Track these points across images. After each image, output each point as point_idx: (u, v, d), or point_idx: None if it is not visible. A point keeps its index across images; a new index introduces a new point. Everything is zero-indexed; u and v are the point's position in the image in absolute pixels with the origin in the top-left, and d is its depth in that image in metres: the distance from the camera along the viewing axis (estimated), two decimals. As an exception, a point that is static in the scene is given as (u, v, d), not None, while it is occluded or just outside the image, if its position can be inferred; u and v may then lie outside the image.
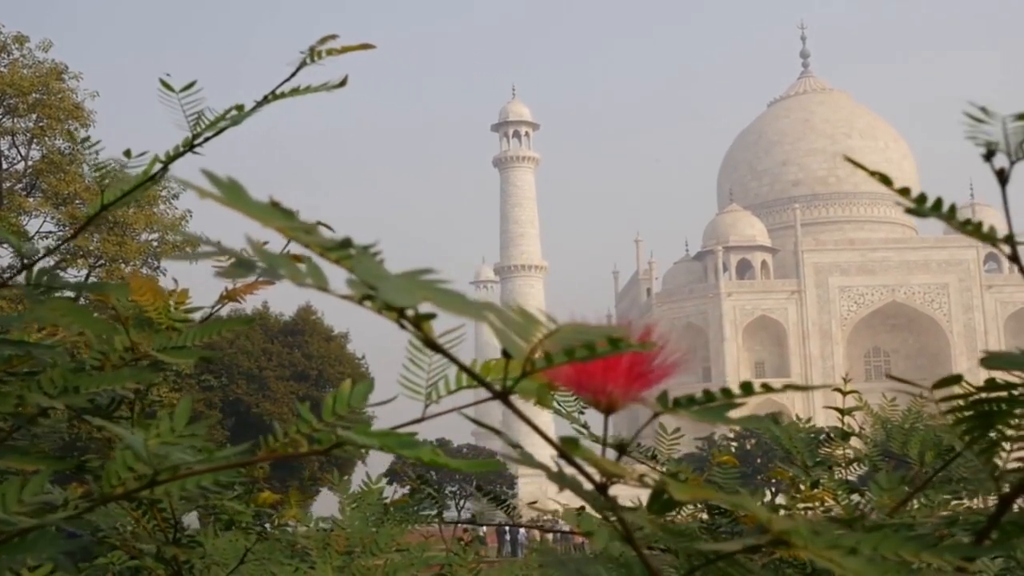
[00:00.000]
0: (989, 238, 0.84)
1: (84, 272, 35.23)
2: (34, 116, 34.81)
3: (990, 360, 0.84)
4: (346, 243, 0.62)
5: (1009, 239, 0.83)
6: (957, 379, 0.90)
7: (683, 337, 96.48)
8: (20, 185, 36.17)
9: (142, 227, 34.74)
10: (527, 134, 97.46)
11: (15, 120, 35.11)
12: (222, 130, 1.61)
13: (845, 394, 2.88)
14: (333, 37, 1.47)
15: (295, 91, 1.55)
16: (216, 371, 46.83)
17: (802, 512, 2.48)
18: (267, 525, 2.47)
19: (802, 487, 2.48)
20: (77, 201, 34.75)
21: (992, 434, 0.98)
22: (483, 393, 0.90)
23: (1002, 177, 0.77)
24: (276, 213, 0.62)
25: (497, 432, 0.93)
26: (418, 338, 0.78)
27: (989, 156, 0.76)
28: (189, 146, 1.61)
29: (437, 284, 0.65)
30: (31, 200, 35.29)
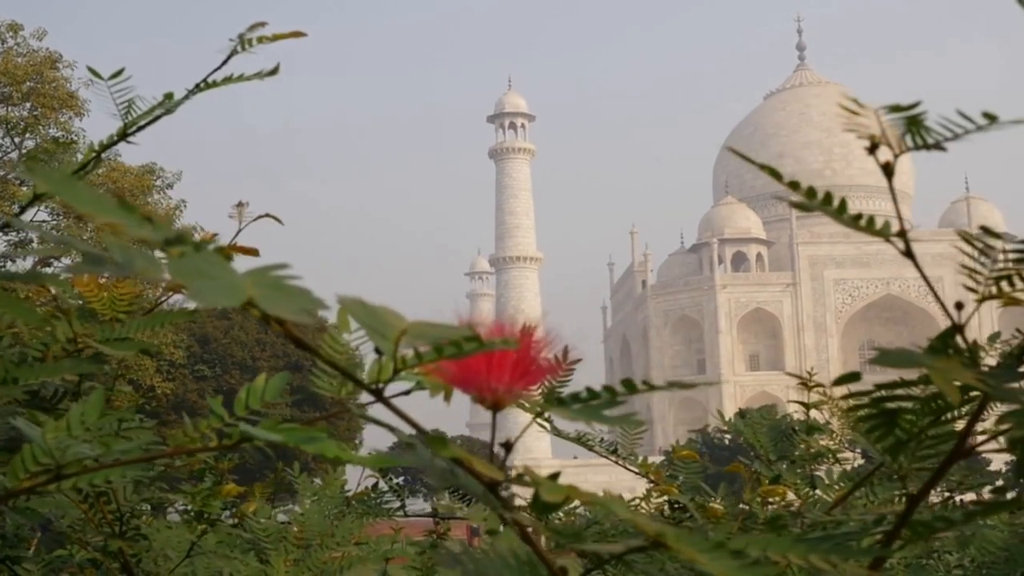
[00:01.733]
0: (882, 233, 0.82)
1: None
2: (28, 105, 34.70)
3: (881, 358, 0.82)
4: (180, 239, 0.60)
5: (902, 233, 0.82)
6: (855, 376, 0.89)
7: (678, 329, 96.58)
8: (13, 174, 36.10)
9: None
10: (523, 126, 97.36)
11: (9, 109, 35.01)
12: (157, 118, 1.59)
13: (810, 388, 2.87)
14: (262, 24, 1.45)
15: (228, 79, 1.53)
16: (210, 361, 46.82)
17: (761, 506, 2.46)
18: (223, 518, 2.45)
19: (762, 481, 2.46)
20: (71, 191, 34.68)
21: (897, 432, 0.97)
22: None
23: (887, 170, 0.75)
24: (107, 206, 0.60)
25: (390, 428, 0.91)
26: (288, 337, 0.76)
27: (872, 149, 0.74)
28: (122, 135, 1.59)
29: (282, 282, 0.63)
30: (24, 189, 35.19)
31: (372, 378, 0.78)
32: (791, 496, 2.51)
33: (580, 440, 2.85)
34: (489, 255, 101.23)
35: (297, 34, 1.49)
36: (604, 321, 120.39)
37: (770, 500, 2.45)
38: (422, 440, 0.84)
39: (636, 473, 2.65)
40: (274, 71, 1.50)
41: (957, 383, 0.82)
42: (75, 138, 34.62)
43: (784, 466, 2.65)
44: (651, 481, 2.66)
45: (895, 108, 0.70)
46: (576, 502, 2.34)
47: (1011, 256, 0.80)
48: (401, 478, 68.55)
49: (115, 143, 1.58)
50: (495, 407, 0.86)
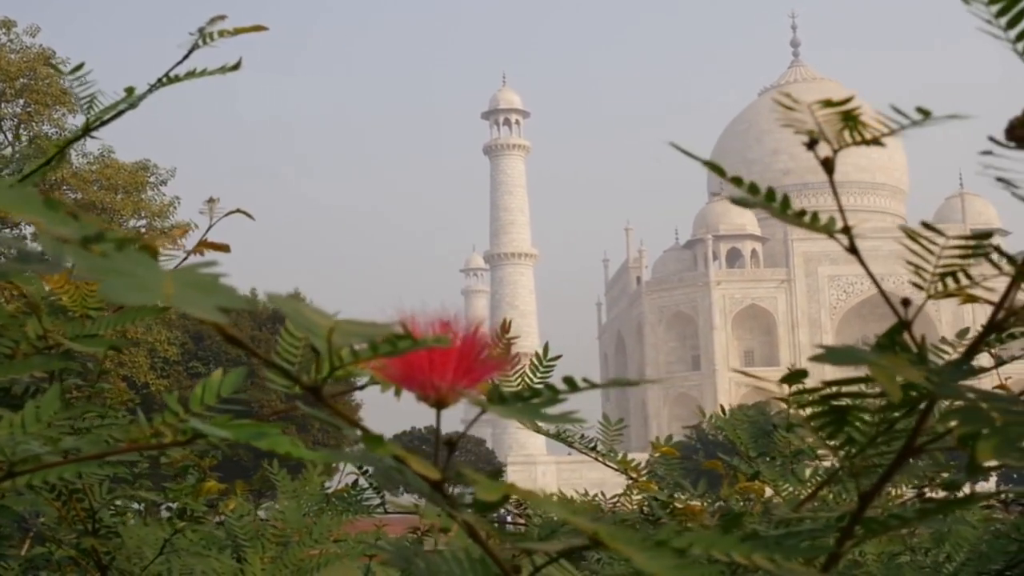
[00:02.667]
0: (826, 229, 0.81)
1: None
2: (21, 101, 34.65)
3: (826, 355, 0.82)
4: (100, 236, 0.59)
5: (847, 230, 0.81)
6: (803, 374, 0.88)
7: (673, 325, 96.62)
8: (7, 171, 36.04)
9: (129, 213, 34.63)
10: (517, 122, 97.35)
11: (2, 105, 34.96)
12: (121, 112, 1.58)
13: (790, 384, 2.86)
14: (222, 18, 1.45)
15: (190, 74, 1.52)
16: (204, 358, 46.80)
17: (739, 502, 2.46)
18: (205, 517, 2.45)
19: (739, 478, 2.46)
20: (64, 187, 34.64)
21: (847, 430, 0.96)
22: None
23: (827, 166, 0.75)
24: (28, 203, 0.59)
25: (337, 426, 0.90)
26: (221, 334, 0.76)
27: (811, 145, 0.74)
28: (86, 130, 1.58)
29: (205, 280, 0.62)
30: (18, 186, 35.12)
31: (312, 376, 0.77)
32: (769, 492, 2.51)
33: (559, 437, 2.84)
34: (484, 252, 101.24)
35: (258, 28, 1.48)
36: (599, 317, 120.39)
37: (748, 497, 2.45)
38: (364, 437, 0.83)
39: (615, 469, 2.65)
40: (236, 66, 1.50)
41: (900, 380, 0.81)
42: (69, 135, 34.52)
43: (763, 463, 2.65)
44: (631, 478, 2.66)
45: (828, 104, 0.69)
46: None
47: (954, 252, 0.79)
48: (396, 474, 68.69)
49: (79, 138, 1.58)
50: (438, 405, 0.85)
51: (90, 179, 34.60)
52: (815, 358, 0.81)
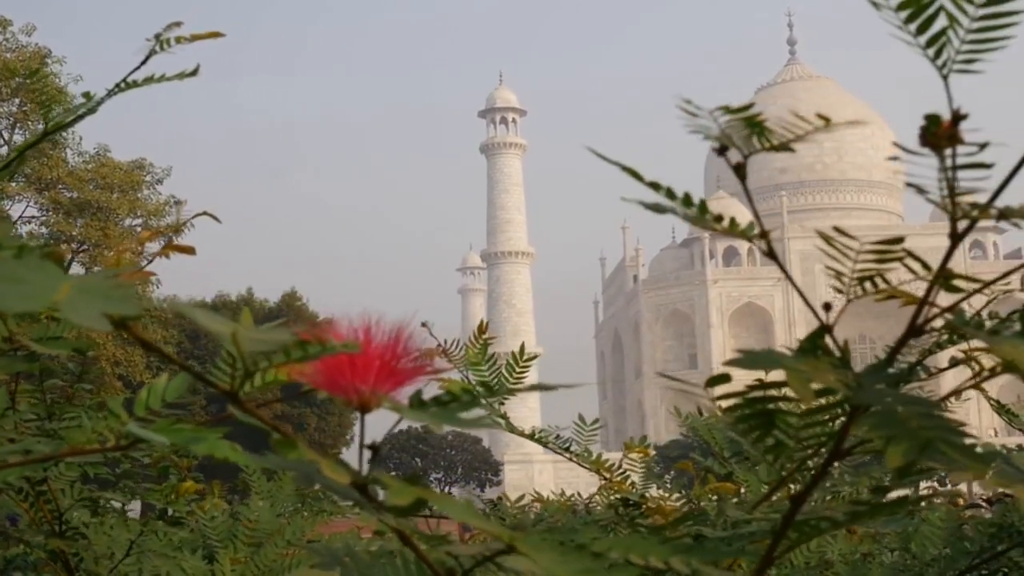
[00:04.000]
0: (744, 234, 0.82)
1: (68, 258, 35.13)
2: (17, 100, 34.60)
3: (743, 360, 0.82)
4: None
5: (765, 235, 0.82)
6: (726, 378, 0.88)
7: (669, 324, 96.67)
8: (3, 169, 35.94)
9: (126, 212, 34.60)
10: (514, 120, 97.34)
11: (-2, 104, 34.94)
12: (80, 118, 1.59)
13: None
14: (178, 24, 1.45)
15: (148, 79, 1.53)
16: (200, 357, 46.75)
17: (711, 500, 2.47)
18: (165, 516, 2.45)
19: (709, 479, 2.46)
20: (60, 186, 34.62)
21: (776, 433, 0.97)
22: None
23: (739, 172, 0.75)
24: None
25: (256, 427, 0.91)
26: (133, 338, 0.76)
27: (722, 151, 0.74)
28: (45, 134, 1.58)
29: (103, 288, 0.62)
30: (14, 184, 35.11)
31: (230, 381, 0.78)
32: (744, 492, 2.51)
33: (534, 437, 2.85)
34: (481, 250, 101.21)
35: (215, 34, 1.48)
36: (596, 316, 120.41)
37: (720, 497, 2.45)
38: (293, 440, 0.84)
39: (589, 469, 2.66)
40: (194, 72, 1.50)
41: (816, 385, 0.82)
42: (64, 134, 34.59)
43: (737, 463, 2.66)
44: (604, 478, 2.66)
45: (727, 110, 0.70)
46: (527, 499, 2.30)
47: (869, 256, 0.80)
48: (393, 474, 68.55)
49: (39, 142, 1.58)
50: (362, 409, 0.85)
51: (86, 178, 34.58)
52: (731, 362, 0.81)
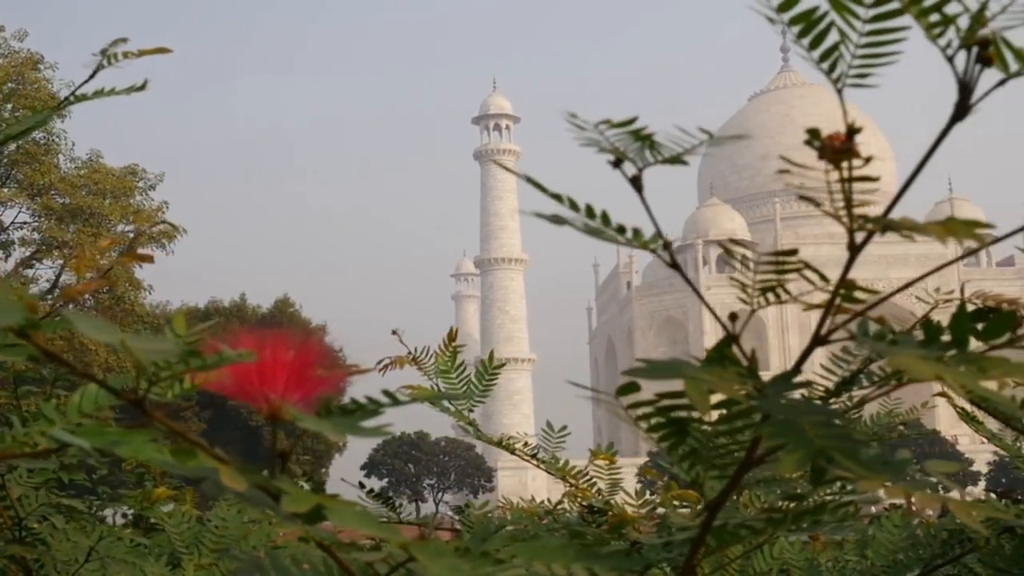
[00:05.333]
0: (645, 245, 0.83)
1: (59, 264, 35.05)
2: (9, 106, 34.55)
3: (643, 370, 0.83)
4: None
5: (667, 245, 0.82)
6: (635, 387, 0.89)
7: (663, 330, 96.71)
8: (-4, 173, 35.95)
9: (118, 218, 34.55)
10: (508, 127, 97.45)
11: (-10, 110, 34.89)
12: (29, 130, 1.60)
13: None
14: (124, 40, 1.47)
15: (99, 93, 1.54)
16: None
17: (676, 507, 2.47)
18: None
19: (673, 485, 2.47)
20: (52, 192, 34.59)
21: (690, 441, 0.98)
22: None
23: (636, 185, 0.76)
24: None
25: (171, 432, 0.91)
26: (35, 347, 0.77)
27: (617, 164, 0.75)
28: (-4, 143, 1.59)
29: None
30: (6, 190, 35.10)
31: (136, 389, 0.79)
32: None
33: (500, 444, 2.86)
34: (474, 256, 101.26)
35: (162, 50, 1.50)
36: (589, 323, 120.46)
37: (684, 503, 2.46)
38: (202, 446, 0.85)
39: (555, 476, 2.66)
40: (143, 87, 1.52)
41: (717, 395, 0.83)
42: (57, 140, 34.60)
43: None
44: (570, 484, 2.67)
45: (610, 123, 0.71)
46: (490, 505, 2.30)
47: (765, 268, 0.81)
48: (385, 480, 67.89)
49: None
50: (272, 417, 0.86)
51: (78, 184, 34.56)
52: (631, 372, 0.82)
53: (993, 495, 2.13)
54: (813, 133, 0.68)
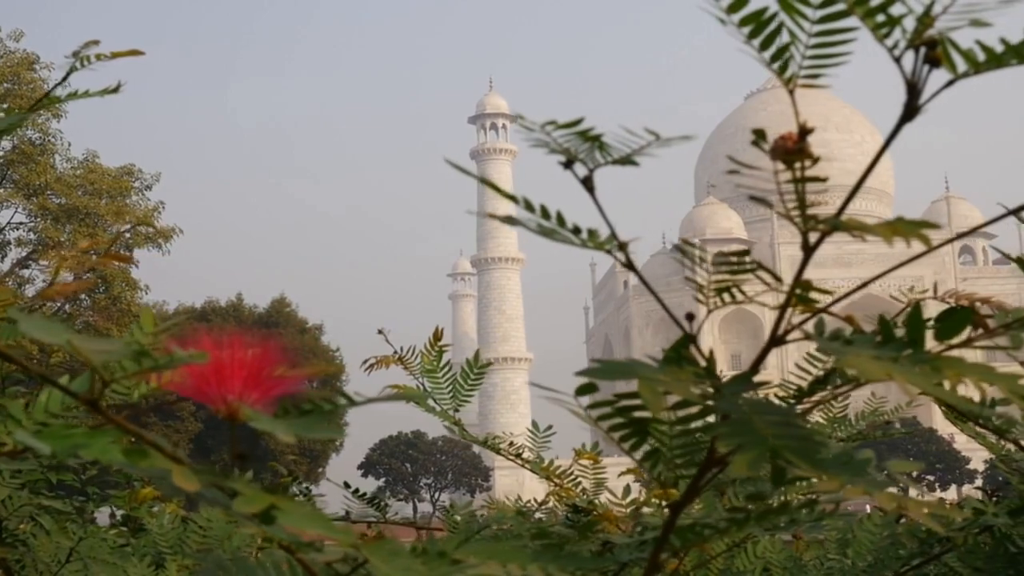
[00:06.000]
0: (601, 245, 0.83)
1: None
2: (5, 106, 34.47)
3: (596, 370, 0.83)
4: None
5: (623, 246, 0.83)
6: (592, 388, 0.89)
7: (660, 330, 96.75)
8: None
9: (114, 218, 34.49)
10: (504, 126, 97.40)
11: (-16, 110, 34.77)
12: (2, 133, 1.60)
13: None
14: (96, 43, 1.47)
15: (71, 95, 1.54)
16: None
17: (659, 506, 2.48)
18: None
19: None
20: (48, 192, 34.54)
21: (651, 442, 0.98)
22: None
23: (587, 185, 0.76)
24: None
25: (132, 434, 0.91)
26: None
27: (568, 165, 0.75)
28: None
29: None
30: (1, 191, 35.06)
31: (91, 389, 0.79)
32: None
33: (486, 443, 2.86)
34: (471, 256, 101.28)
35: (134, 52, 1.50)
36: (586, 322, 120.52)
37: (664, 503, 2.46)
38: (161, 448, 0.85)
39: (539, 475, 2.67)
40: (116, 89, 1.52)
41: (672, 395, 0.83)
42: (53, 140, 34.54)
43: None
44: (554, 484, 2.68)
45: (556, 124, 0.71)
46: (475, 504, 2.31)
47: (720, 268, 0.81)
48: (382, 479, 67.79)
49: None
50: (230, 418, 0.86)
51: (74, 184, 34.51)
52: (584, 372, 0.82)
53: (983, 493, 2.13)
54: (759, 133, 0.69)
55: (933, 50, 0.70)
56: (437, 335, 2.93)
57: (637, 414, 0.93)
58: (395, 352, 2.97)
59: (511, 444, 2.82)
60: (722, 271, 0.81)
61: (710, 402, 0.85)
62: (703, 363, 0.89)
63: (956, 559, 1.86)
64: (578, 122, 0.70)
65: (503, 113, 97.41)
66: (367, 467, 68.20)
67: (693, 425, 0.95)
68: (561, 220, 0.80)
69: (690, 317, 0.86)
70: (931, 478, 63.38)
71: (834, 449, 0.93)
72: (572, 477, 2.66)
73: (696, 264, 0.79)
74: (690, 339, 0.87)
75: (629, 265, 0.81)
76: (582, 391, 0.92)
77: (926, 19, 0.68)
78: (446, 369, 2.86)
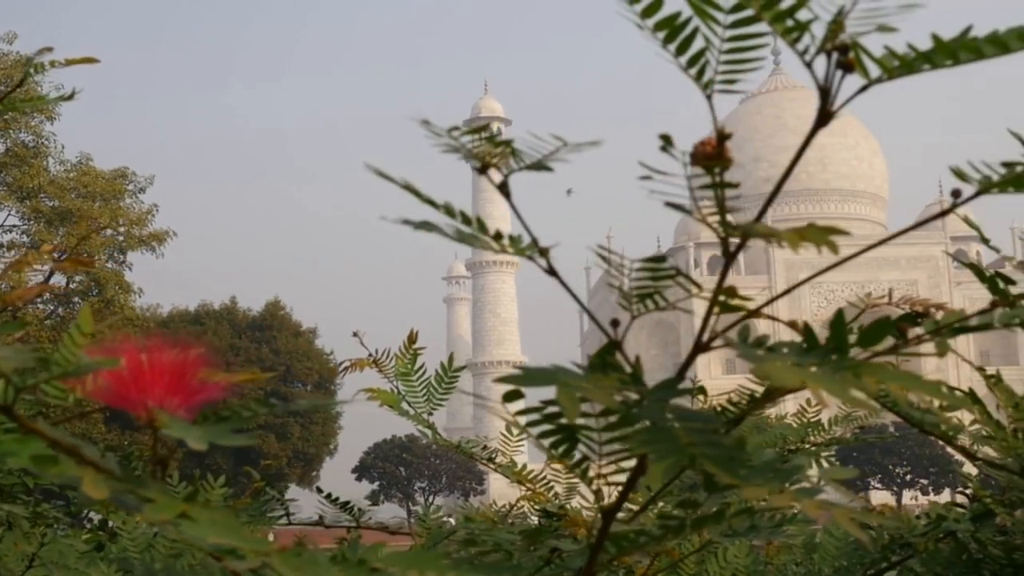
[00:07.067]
0: (522, 251, 0.82)
1: (47, 267, 34.86)
2: (-2, 108, 34.37)
3: (515, 377, 0.82)
4: None
5: (544, 252, 0.82)
6: (518, 395, 0.89)
7: (655, 333, 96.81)
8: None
9: (107, 221, 34.44)
10: (499, 130, 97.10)
11: (-23, 113, 34.72)
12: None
13: (696, 394, 2.87)
14: (49, 49, 1.47)
15: (25, 101, 1.54)
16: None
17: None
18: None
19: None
20: (42, 195, 34.50)
21: (581, 447, 0.97)
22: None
23: (503, 191, 0.76)
24: None
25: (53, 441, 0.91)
26: None
27: (483, 171, 0.75)
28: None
29: None
30: (-4, 192, 35.02)
31: (4, 395, 0.78)
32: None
33: (459, 447, 2.85)
34: (466, 259, 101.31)
35: (89, 60, 1.50)
36: (581, 325, 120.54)
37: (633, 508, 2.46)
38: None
39: (509, 479, 2.66)
40: (71, 96, 1.52)
41: (592, 401, 0.82)
42: (46, 143, 34.50)
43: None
44: (527, 488, 2.67)
45: (462, 130, 0.70)
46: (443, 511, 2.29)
47: (642, 275, 0.81)
48: (376, 483, 67.69)
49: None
50: (150, 424, 0.86)
51: (67, 187, 34.48)
52: (504, 379, 0.82)
53: (968, 499, 2.13)
54: (665, 139, 0.68)
55: (845, 55, 0.70)
56: (412, 338, 2.92)
57: (565, 420, 0.93)
58: (369, 355, 2.96)
59: (484, 448, 2.82)
60: (644, 278, 0.81)
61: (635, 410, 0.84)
62: (628, 369, 0.88)
63: (920, 564, 1.86)
64: (484, 127, 0.70)
65: (498, 117, 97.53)
66: (361, 471, 68.17)
67: (620, 432, 0.95)
68: (482, 226, 0.80)
69: (615, 323, 0.86)
70: (924, 482, 63.40)
71: (765, 456, 0.92)
72: (544, 481, 2.65)
73: (617, 271, 0.79)
74: (615, 345, 0.87)
75: (551, 271, 0.80)
76: (509, 398, 0.91)
77: (836, 24, 0.68)
78: (421, 372, 2.85)
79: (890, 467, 62.31)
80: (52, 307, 34.65)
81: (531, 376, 0.82)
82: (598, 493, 0.98)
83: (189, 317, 52.17)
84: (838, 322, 0.82)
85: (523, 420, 0.96)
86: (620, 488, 1.21)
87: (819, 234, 0.70)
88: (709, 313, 0.83)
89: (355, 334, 3.09)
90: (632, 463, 0.99)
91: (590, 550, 1.02)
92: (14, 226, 35.74)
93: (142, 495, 0.76)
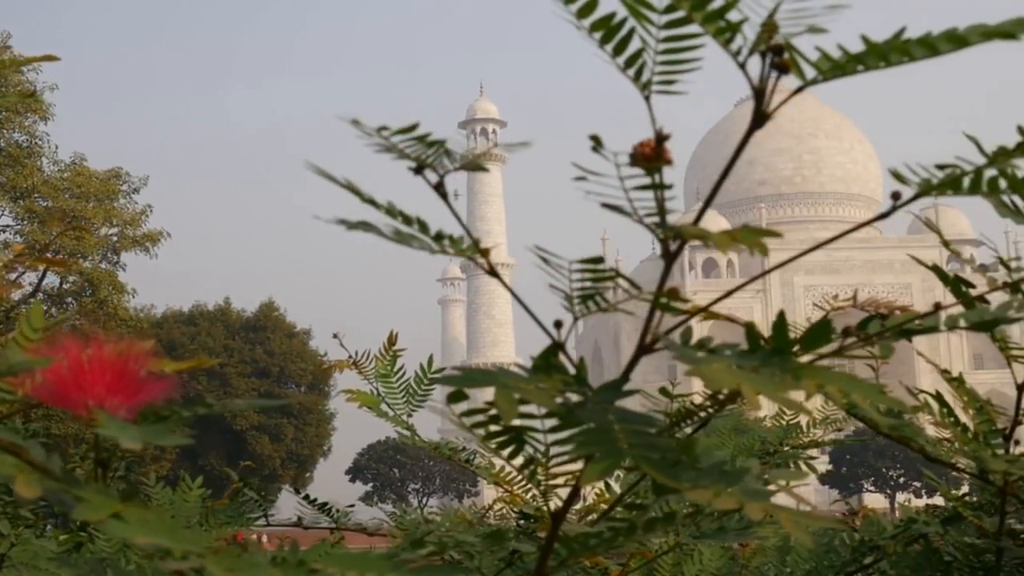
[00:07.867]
0: (463, 252, 0.82)
1: (42, 267, 34.86)
2: (-6, 109, 34.37)
3: (455, 378, 0.82)
4: None
5: (484, 253, 0.82)
6: (462, 396, 0.89)
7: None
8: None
9: (101, 221, 34.42)
10: (494, 131, 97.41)
11: (-29, 113, 34.68)
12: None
13: (673, 397, 2.87)
14: (8, 48, 1.46)
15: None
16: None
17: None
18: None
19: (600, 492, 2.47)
20: (36, 195, 34.45)
21: (528, 450, 0.97)
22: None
23: (439, 191, 0.76)
24: None
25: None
26: None
27: (419, 171, 0.74)
28: None
29: None
30: (-8, 192, 34.97)
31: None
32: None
33: (437, 448, 2.85)
34: (460, 261, 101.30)
35: (49, 58, 1.50)
36: (575, 327, 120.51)
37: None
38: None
39: (486, 480, 2.66)
40: (31, 95, 1.51)
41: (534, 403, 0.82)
42: (40, 143, 34.46)
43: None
44: (506, 490, 2.67)
45: (390, 130, 0.70)
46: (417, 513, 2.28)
47: (583, 277, 0.80)
48: (370, 484, 67.63)
49: None
50: (90, 424, 0.85)
51: (61, 187, 34.44)
52: (445, 380, 0.82)
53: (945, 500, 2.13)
54: (596, 140, 0.68)
55: (780, 56, 0.70)
56: (392, 340, 2.92)
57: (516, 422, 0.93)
58: (349, 356, 2.96)
59: (463, 449, 2.82)
60: (584, 279, 0.81)
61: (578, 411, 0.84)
62: (572, 371, 0.88)
63: (890, 566, 1.86)
64: (414, 127, 0.70)
65: (493, 118, 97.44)
66: (355, 472, 68.13)
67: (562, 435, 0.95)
68: (423, 226, 0.80)
69: (558, 325, 0.86)
70: (918, 484, 63.42)
71: (714, 459, 0.92)
72: (522, 483, 2.65)
73: (558, 272, 0.79)
74: (558, 347, 0.86)
75: (492, 272, 0.80)
76: (453, 399, 0.91)
77: (769, 26, 0.68)
78: (400, 374, 2.85)
79: (883, 470, 62.33)
80: (45, 307, 34.60)
81: (471, 377, 0.82)
82: (545, 494, 0.97)
83: (183, 318, 52.11)
84: (780, 323, 0.82)
85: (468, 421, 0.96)
86: (599, 491, 1.21)
87: (750, 236, 0.70)
88: (651, 315, 0.82)
89: (335, 335, 3.09)
90: (580, 465, 0.99)
91: (541, 552, 1.02)
92: (8, 226, 35.69)
93: (76, 494, 0.76)
